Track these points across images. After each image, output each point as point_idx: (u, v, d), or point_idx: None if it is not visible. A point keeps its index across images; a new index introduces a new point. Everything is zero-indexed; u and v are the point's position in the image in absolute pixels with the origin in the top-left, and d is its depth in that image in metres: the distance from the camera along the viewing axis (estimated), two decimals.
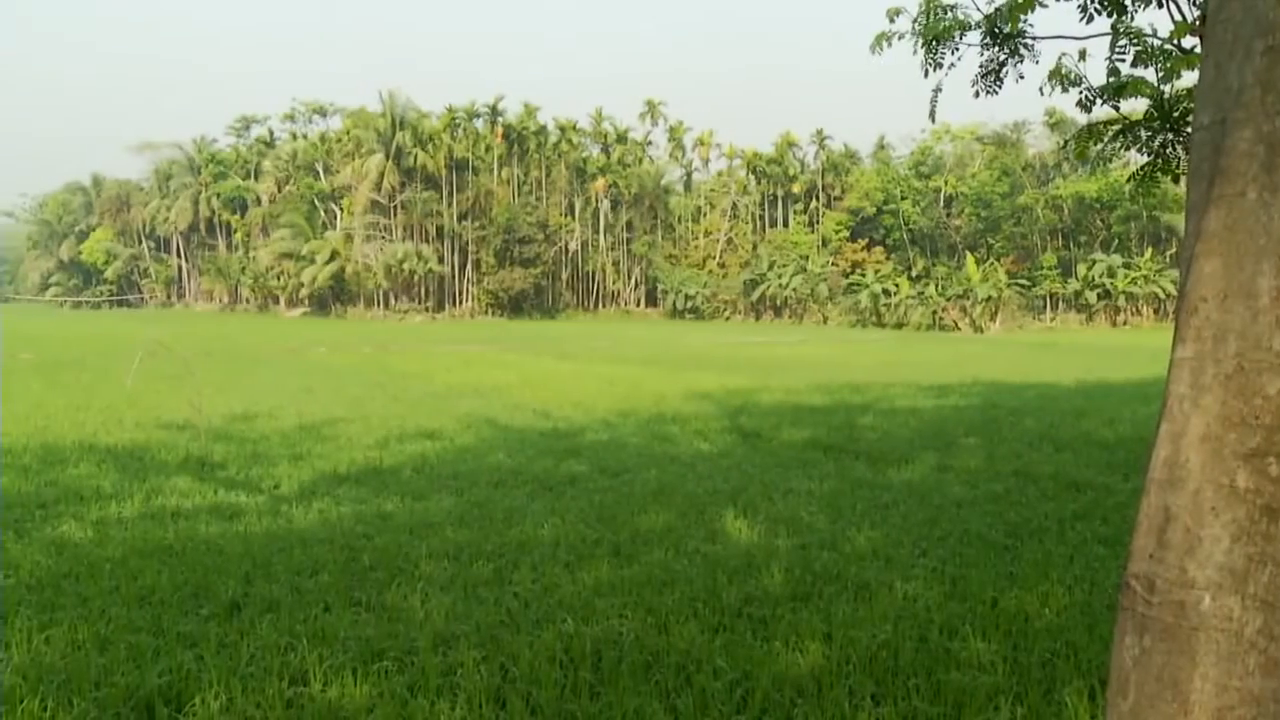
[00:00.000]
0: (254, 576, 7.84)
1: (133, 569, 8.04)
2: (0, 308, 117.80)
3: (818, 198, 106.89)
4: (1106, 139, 12.54)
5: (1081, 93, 11.93)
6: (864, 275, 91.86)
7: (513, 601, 7.16)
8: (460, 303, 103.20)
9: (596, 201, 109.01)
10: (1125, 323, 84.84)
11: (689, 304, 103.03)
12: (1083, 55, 11.78)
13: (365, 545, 8.83)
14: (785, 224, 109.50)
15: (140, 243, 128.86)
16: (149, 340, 22.80)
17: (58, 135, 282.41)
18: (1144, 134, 12.32)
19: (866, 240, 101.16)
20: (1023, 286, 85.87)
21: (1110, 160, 13.93)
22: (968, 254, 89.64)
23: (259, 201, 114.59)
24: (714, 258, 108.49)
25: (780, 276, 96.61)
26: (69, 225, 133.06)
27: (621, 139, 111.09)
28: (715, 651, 6.04)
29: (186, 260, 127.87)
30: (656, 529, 9.47)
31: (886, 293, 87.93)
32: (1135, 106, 14.02)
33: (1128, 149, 13.13)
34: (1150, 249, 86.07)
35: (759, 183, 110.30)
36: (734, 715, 5.32)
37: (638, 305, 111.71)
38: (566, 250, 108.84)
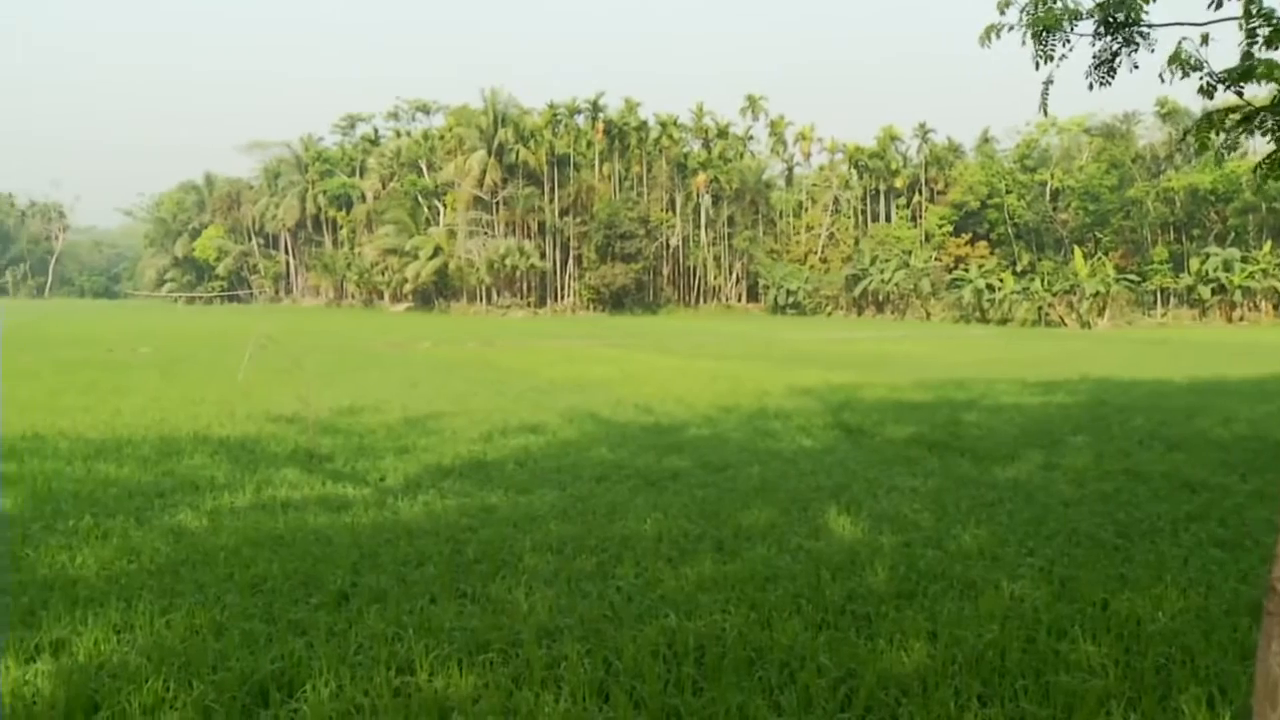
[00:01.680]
0: (361, 567, 7.99)
1: (245, 558, 8.27)
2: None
3: (920, 192, 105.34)
4: (1229, 127, 12.14)
5: (1203, 78, 11.56)
6: (968, 270, 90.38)
7: (616, 596, 7.20)
8: (562, 298, 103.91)
9: (697, 197, 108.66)
10: (1242, 319, 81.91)
11: (790, 299, 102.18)
12: (1205, 40, 11.40)
13: (470, 538, 8.94)
14: (887, 218, 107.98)
15: (250, 239, 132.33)
16: (259, 335, 23.36)
17: (179, 138, 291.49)
18: (1270, 121, 11.91)
19: (970, 235, 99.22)
20: (1132, 282, 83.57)
21: (1231, 150, 13.59)
22: (1075, 248, 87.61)
23: (364, 198, 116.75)
24: (815, 252, 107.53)
25: (882, 272, 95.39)
26: (183, 223, 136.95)
27: (722, 134, 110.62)
28: (819, 648, 6.00)
29: (294, 256, 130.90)
30: (759, 525, 9.44)
31: (990, 288, 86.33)
32: (1257, 92, 13.56)
33: (1250, 135, 12.70)
34: (1269, 242, 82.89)
35: (861, 177, 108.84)
36: (838, 713, 5.29)
37: (739, 300, 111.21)
38: (667, 245, 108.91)
